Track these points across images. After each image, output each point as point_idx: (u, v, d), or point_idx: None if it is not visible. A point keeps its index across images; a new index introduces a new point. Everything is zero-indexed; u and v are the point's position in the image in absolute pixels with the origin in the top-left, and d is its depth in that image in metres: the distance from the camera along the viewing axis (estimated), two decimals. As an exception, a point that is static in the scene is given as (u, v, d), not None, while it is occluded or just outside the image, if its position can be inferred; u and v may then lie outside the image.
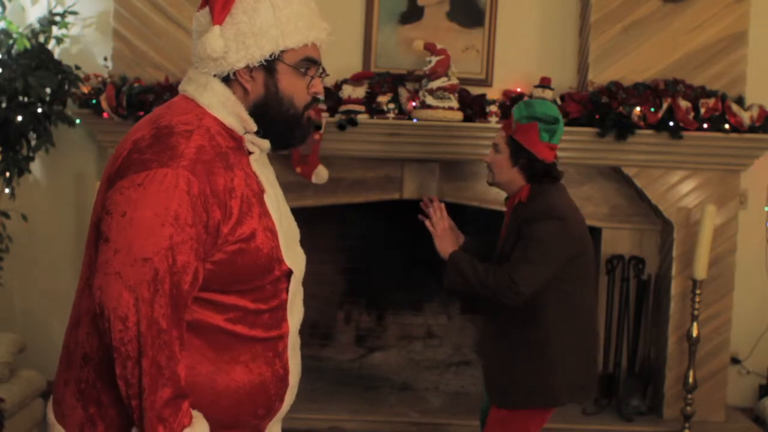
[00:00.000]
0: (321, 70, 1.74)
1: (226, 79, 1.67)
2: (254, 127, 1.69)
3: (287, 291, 1.70)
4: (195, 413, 1.56)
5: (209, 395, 1.60)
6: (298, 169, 3.90)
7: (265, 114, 1.68)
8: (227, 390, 1.61)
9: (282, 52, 1.65)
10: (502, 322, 2.75)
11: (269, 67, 1.66)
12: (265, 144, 1.72)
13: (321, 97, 1.79)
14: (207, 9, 1.67)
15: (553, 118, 2.72)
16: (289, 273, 1.69)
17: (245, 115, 1.67)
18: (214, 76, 1.66)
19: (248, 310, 1.63)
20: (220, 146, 1.61)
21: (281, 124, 1.70)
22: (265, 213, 1.65)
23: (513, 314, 2.67)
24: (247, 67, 1.65)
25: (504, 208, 2.94)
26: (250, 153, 1.69)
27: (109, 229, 1.51)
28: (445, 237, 2.81)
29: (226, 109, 1.66)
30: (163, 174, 1.51)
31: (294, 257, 1.72)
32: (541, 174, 2.73)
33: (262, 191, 1.67)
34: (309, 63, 1.70)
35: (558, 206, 2.69)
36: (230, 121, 1.66)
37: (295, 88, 1.69)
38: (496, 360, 2.77)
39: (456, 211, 4.22)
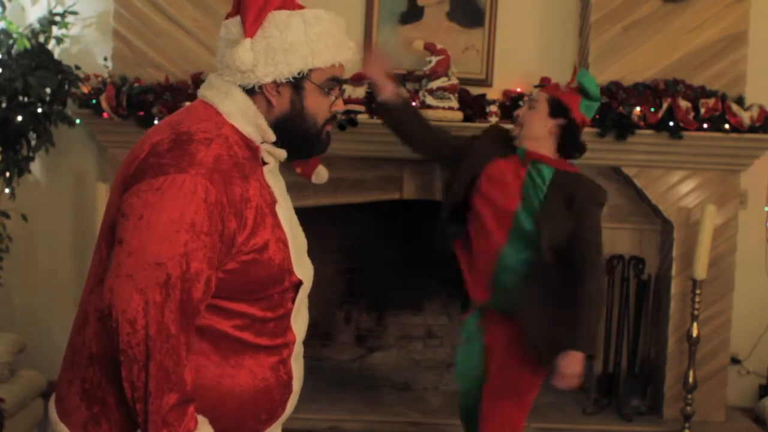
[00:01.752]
0: (343, 89, 1.77)
1: (251, 91, 1.67)
2: (273, 138, 1.69)
3: (293, 301, 1.71)
4: (200, 418, 1.56)
5: (214, 398, 1.60)
6: (298, 169, 3.90)
7: (287, 128, 1.70)
8: (232, 394, 1.62)
9: (310, 70, 1.67)
10: (549, 287, 2.77)
11: (296, 84, 1.67)
12: (283, 154, 1.73)
13: (340, 114, 1.86)
14: (238, 18, 1.66)
15: (595, 96, 2.84)
16: (298, 284, 1.70)
17: (265, 125, 1.67)
18: (239, 85, 1.66)
19: (255, 318, 1.64)
20: (237, 156, 1.61)
21: (302, 139, 1.73)
22: (277, 224, 1.65)
23: (557, 280, 2.75)
24: (275, 82, 1.66)
25: None
26: (264, 163, 1.69)
27: (125, 232, 1.50)
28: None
29: (246, 118, 1.66)
30: (182, 180, 1.50)
31: (302, 269, 1.72)
32: (569, 141, 2.77)
33: (274, 202, 1.67)
34: (334, 83, 1.72)
35: (605, 192, 2.88)
36: (249, 131, 1.66)
37: (319, 107, 1.71)
38: (546, 320, 2.75)
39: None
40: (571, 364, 2.65)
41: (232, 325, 1.61)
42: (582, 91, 2.80)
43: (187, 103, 1.84)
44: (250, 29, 1.63)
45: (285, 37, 1.64)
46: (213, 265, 1.53)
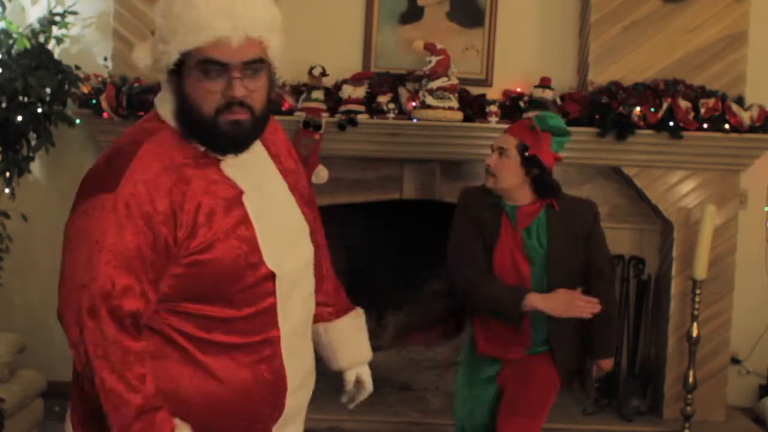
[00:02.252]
0: (240, 70, 1.55)
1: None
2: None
3: (275, 294, 1.64)
4: (179, 422, 1.55)
5: (186, 406, 1.59)
6: (298, 169, 3.89)
7: (183, 121, 1.60)
8: (205, 400, 1.60)
9: (184, 54, 1.54)
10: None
11: (178, 71, 1.57)
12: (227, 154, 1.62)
13: (236, 99, 1.55)
14: None
15: (564, 131, 2.79)
16: (272, 275, 1.62)
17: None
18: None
19: (220, 318, 1.60)
20: (174, 158, 1.57)
21: (199, 130, 1.59)
22: (239, 218, 1.59)
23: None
24: (169, 73, 1.58)
25: None
26: (220, 159, 1.62)
27: (62, 259, 1.57)
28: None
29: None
30: (104, 200, 1.51)
31: (288, 256, 1.67)
32: (544, 186, 2.76)
33: (239, 194, 1.61)
34: (207, 65, 1.53)
35: (595, 204, 2.96)
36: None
37: (200, 93, 1.55)
38: (575, 340, 2.89)
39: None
40: (609, 365, 3.01)
41: (200, 326, 1.59)
42: (551, 130, 2.74)
43: None
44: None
45: (161, 26, 1.56)
46: (145, 277, 1.52)
